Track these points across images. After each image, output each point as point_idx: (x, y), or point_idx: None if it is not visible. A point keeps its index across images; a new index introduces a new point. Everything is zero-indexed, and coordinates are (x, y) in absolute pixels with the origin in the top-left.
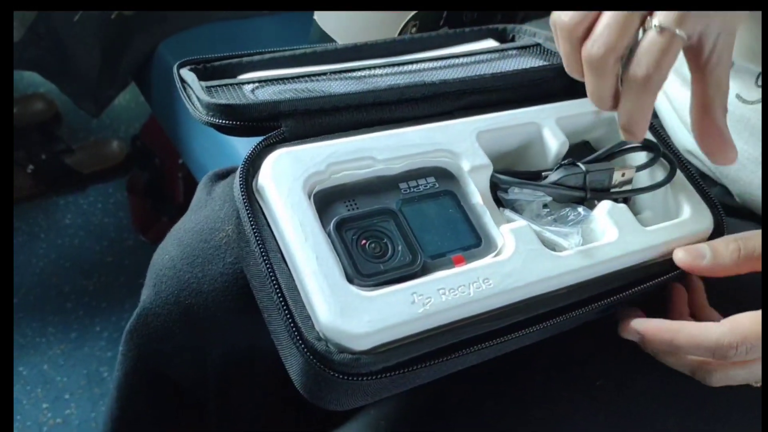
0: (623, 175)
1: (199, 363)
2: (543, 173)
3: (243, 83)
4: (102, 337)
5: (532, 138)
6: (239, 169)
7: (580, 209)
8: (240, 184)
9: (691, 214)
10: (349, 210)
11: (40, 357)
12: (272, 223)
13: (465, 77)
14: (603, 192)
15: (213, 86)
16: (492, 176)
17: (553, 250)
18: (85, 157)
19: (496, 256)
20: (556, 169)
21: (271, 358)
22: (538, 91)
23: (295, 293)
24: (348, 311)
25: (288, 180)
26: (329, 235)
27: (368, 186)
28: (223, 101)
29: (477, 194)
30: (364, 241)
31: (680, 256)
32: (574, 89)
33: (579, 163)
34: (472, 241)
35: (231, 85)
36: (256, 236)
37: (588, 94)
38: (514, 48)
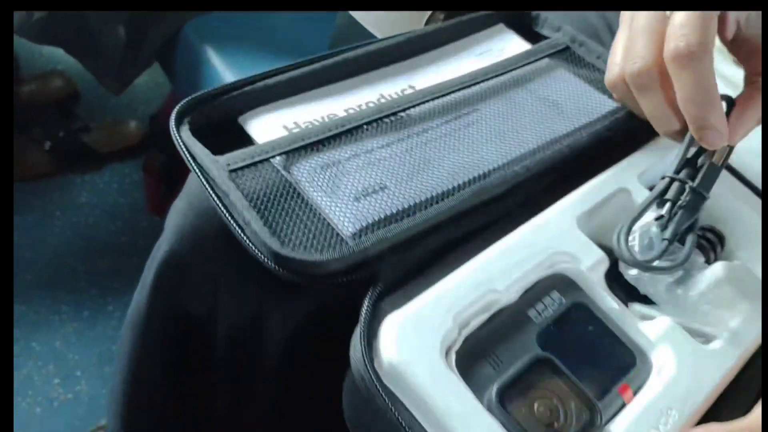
0: None
1: (211, 325)
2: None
3: (269, 157)
4: (114, 317)
5: (626, 205)
6: (359, 352)
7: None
8: (367, 371)
9: None
10: (495, 369)
11: (52, 334)
12: (423, 417)
13: (544, 157)
14: None
15: (237, 168)
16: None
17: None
18: (103, 136)
19: (660, 372)
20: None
21: (277, 346)
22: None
23: None
24: None
25: (426, 356)
26: (492, 412)
27: (501, 329)
28: (298, 256)
29: (608, 298)
30: (533, 407)
31: None
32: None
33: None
34: (627, 360)
35: (257, 162)
36: None
37: (650, 119)
38: (545, 55)
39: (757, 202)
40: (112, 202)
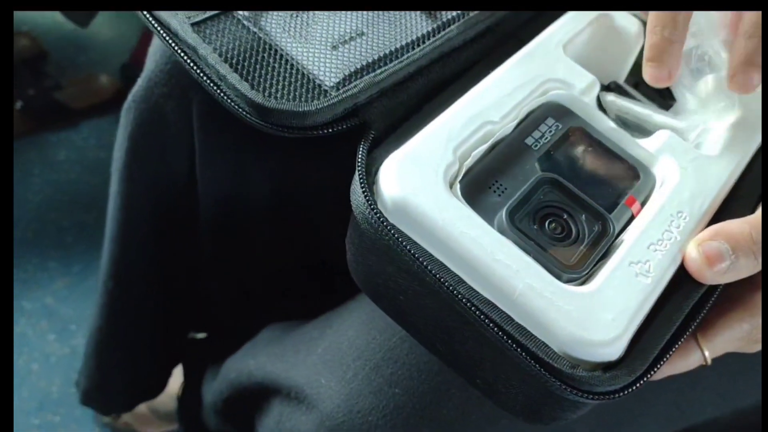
0: None
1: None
2: None
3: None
4: None
5: (609, 34)
6: (360, 195)
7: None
8: (372, 212)
9: None
10: (500, 195)
11: (42, 291)
12: (435, 248)
13: None
14: None
15: (200, 21)
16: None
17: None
18: (75, 92)
19: (663, 184)
20: None
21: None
22: None
23: (511, 323)
24: (587, 317)
25: (429, 188)
26: (504, 233)
27: (501, 159)
28: (284, 107)
29: (604, 118)
30: (545, 226)
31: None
32: None
33: None
34: (631, 175)
35: (220, 15)
36: (437, 277)
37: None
38: None
39: None
40: (92, 157)
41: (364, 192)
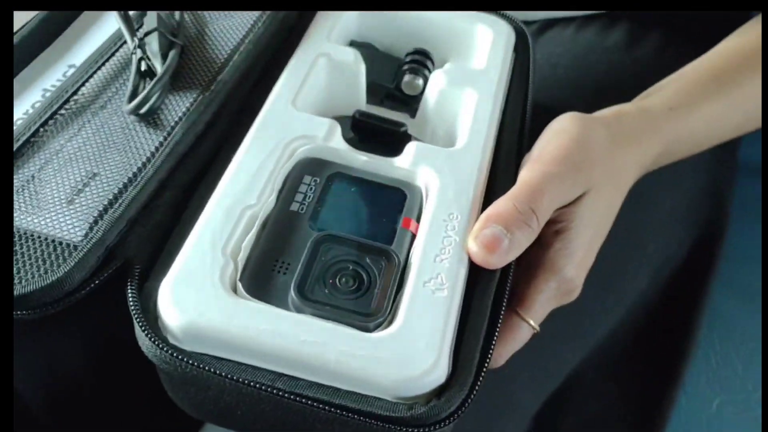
0: None
1: None
2: None
3: None
4: None
5: (330, 72)
6: (145, 339)
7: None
8: (164, 352)
9: None
10: (285, 273)
11: None
12: (242, 355)
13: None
14: None
15: None
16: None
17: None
18: None
19: (428, 193)
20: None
21: None
22: None
23: (339, 394)
24: (402, 355)
25: (211, 301)
26: (301, 311)
27: (273, 237)
28: (37, 286)
29: (355, 155)
30: (337, 284)
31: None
32: None
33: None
34: (398, 197)
35: None
36: (252, 385)
37: None
38: None
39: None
40: None
41: (147, 334)
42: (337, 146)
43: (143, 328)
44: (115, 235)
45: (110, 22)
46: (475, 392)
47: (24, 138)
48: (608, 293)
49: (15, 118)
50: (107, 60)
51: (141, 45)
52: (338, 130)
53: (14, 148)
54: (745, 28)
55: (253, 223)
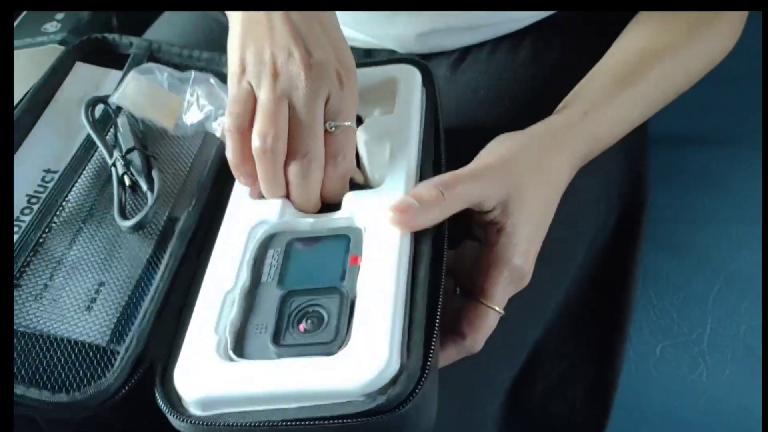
0: None
1: None
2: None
3: None
4: None
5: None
6: (182, 425)
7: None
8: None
9: None
10: (264, 332)
11: None
12: (256, 405)
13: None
14: None
15: None
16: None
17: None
18: None
19: (365, 228)
20: None
21: None
22: None
23: (323, 409)
24: (355, 362)
25: (213, 372)
26: (280, 356)
27: (249, 307)
28: (92, 391)
29: (302, 220)
30: (306, 327)
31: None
32: None
33: None
34: (342, 242)
35: None
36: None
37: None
38: None
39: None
40: None
41: (182, 420)
42: (288, 219)
43: (177, 417)
44: (142, 344)
45: (69, 124)
46: (426, 373)
47: (30, 246)
48: (554, 271)
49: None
50: (84, 168)
51: (125, 162)
52: (289, 206)
53: (22, 258)
54: (633, 27)
55: (234, 300)
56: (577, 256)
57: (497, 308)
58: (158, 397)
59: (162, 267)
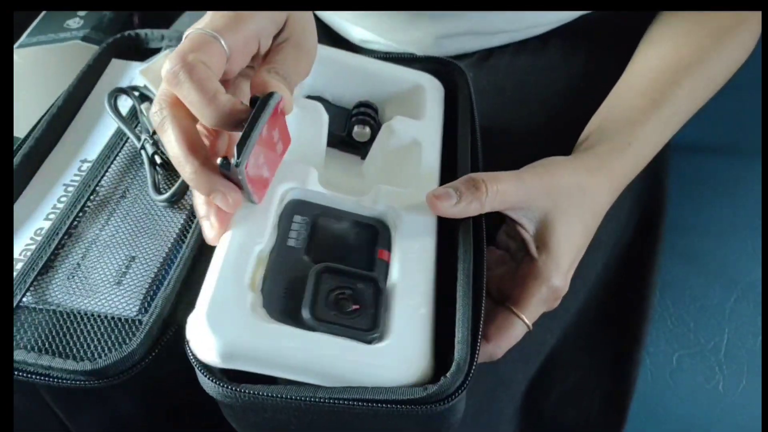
0: None
1: None
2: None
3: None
4: None
5: (300, 119)
6: (210, 384)
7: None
8: (227, 389)
9: None
10: (299, 301)
11: None
12: (281, 371)
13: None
14: None
15: None
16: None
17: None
18: None
19: (395, 226)
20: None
21: None
22: None
23: (366, 391)
24: (396, 360)
25: (246, 324)
26: (315, 329)
27: (281, 272)
28: (114, 358)
29: (334, 196)
30: (340, 307)
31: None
32: None
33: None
34: (374, 231)
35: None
36: (299, 399)
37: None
38: None
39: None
40: None
41: (210, 379)
42: (316, 189)
43: (207, 376)
44: (168, 309)
45: (104, 117)
46: (475, 360)
47: (63, 231)
48: (573, 279)
49: (46, 212)
50: (117, 154)
51: (154, 141)
52: (315, 174)
53: (55, 242)
54: (656, 38)
55: (263, 257)
56: (595, 263)
57: (527, 321)
58: (191, 358)
59: (189, 236)
